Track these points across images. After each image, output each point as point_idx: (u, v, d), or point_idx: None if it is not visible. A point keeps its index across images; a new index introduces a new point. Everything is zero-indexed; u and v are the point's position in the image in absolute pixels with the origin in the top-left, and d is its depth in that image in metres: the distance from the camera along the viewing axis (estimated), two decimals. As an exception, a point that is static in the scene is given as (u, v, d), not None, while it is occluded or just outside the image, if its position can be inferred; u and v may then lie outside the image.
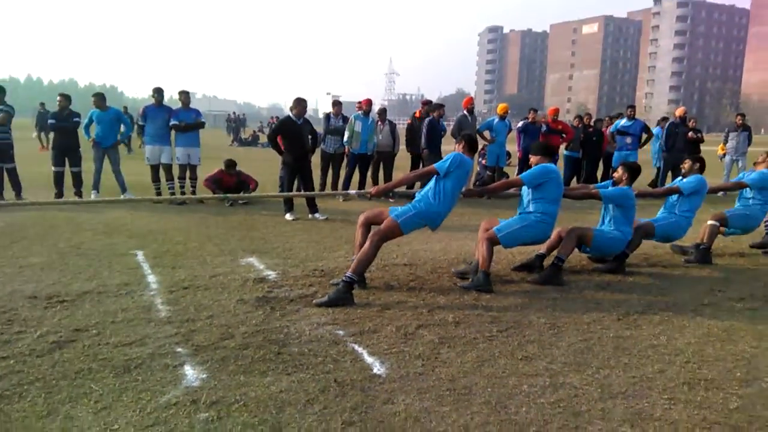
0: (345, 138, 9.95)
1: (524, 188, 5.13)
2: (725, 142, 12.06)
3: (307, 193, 7.85)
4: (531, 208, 5.02)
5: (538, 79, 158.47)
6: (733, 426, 2.71)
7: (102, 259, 5.50)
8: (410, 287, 4.85)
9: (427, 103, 10.83)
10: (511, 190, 5.45)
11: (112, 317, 3.92)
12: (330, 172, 10.40)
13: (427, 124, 10.08)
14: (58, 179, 9.03)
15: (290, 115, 8.04)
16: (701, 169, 5.96)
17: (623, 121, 11.30)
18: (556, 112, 11.64)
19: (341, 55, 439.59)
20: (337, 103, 10.73)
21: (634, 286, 5.12)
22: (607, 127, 12.09)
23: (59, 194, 9.01)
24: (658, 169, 11.87)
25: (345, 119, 10.46)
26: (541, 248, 5.46)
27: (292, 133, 7.93)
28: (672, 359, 3.50)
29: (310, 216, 8.03)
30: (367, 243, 4.53)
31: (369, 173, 10.56)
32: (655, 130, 12.16)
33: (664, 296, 4.80)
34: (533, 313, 4.25)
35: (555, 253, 5.19)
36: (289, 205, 8.10)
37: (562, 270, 5.13)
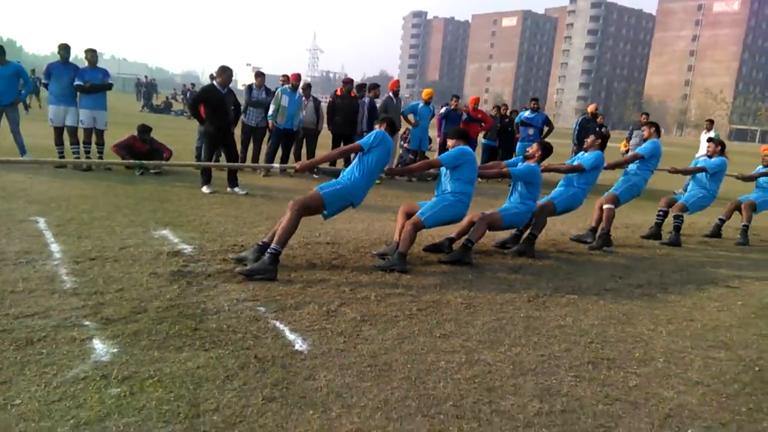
0: (270, 112, 9.69)
1: (442, 169, 5.30)
2: (629, 138, 12.89)
3: (230, 164, 7.59)
4: (449, 188, 5.19)
5: (458, 68, 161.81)
6: (632, 402, 2.93)
7: (-2, 225, 5.07)
8: (333, 265, 4.84)
9: (348, 82, 10.74)
10: (431, 171, 5.57)
11: (11, 287, 3.64)
12: (251, 146, 10.11)
13: (369, 105, 10.04)
14: (-55, 136, 8.20)
15: (214, 83, 7.76)
16: (602, 146, 6.34)
17: (527, 113, 11.76)
18: (477, 101, 11.94)
19: (263, 25, 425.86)
20: (260, 75, 10.40)
21: (543, 269, 5.39)
22: None
23: (-55, 153, 8.19)
24: None
25: (268, 91, 10.19)
26: (452, 232, 5.63)
27: (216, 103, 7.63)
28: (577, 339, 3.73)
29: (228, 190, 7.80)
30: (288, 213, 4.47)
31: (292, 150, 10.37)
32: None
33: (570, 280, 5.09)
34: (450, 293, 4.37)
35: (466, 236, 5.37)
36: (206, 177, 7.80)
37: (471, 252, 5.32)
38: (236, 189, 7.81)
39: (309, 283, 4.32)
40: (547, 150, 5.81)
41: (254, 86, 10.10)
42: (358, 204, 4.92)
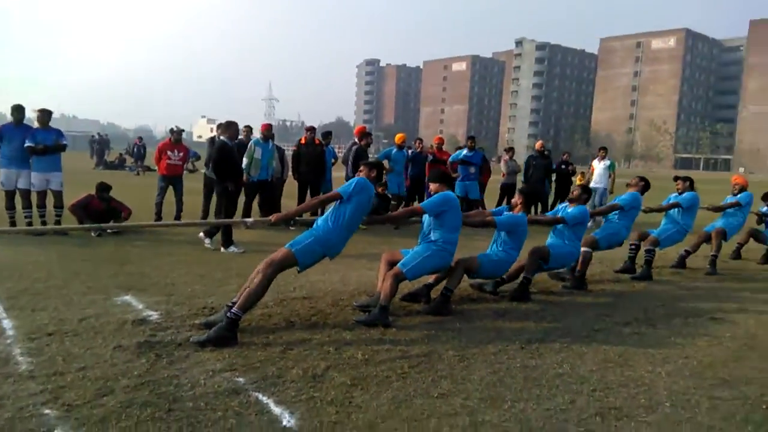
0: (243, 164, 9.52)
1: (425, 216, 5.09)
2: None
3: (200, 221, 7.32)
4: (433, 237, 4.98)
5: (412, 111, 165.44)
6: (651, 456, 2.74)
7: (-60, 302, 4.62)
8: (312, 323, 4.57)
9: (311, 129, 10.66)
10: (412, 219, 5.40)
11: (-45, 375, 3.24)
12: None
13: (354, 152, 9.95)
14: None
15: (223, 138, 7.52)
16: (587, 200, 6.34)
17: (465, 152, 11.49)
18: (441, 141, 11.94)
19: (215, 77, 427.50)
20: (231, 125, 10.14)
21: (528, 312, 5.23)
22: (491, 158, 12.60)
23: None
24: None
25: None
26: (431, 278, 5.43)
27: (230, 158, 7.44)
28: (579, 388, 3.54)
29: (223, 249, 7.48)
30: (259, 275, 4.17)
31: (256, 201, 10.09)
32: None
33: (558, 323, 4.93)
34: (441, 345, 4.15)
35: (444, 284, 5.16)
36: (215, 231, 7.57)
37: (451, 300, 5.13)
38: (231, 248, 7.48)
39: (289, 344, 4.02)
40: (529, 197, 5.84)
41: (218, 138, 9.85)
42: (334, 256, 4.64)
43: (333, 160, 11.01)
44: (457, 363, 3.84)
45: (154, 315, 4.56)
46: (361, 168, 4.86)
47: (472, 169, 11.35)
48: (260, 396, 3.19)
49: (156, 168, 10.38)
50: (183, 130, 10.51)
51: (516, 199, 5.77)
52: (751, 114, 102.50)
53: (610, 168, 12.26)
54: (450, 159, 11.63)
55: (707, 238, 7.81)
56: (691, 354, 4.26)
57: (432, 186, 5.19)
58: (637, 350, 4.29)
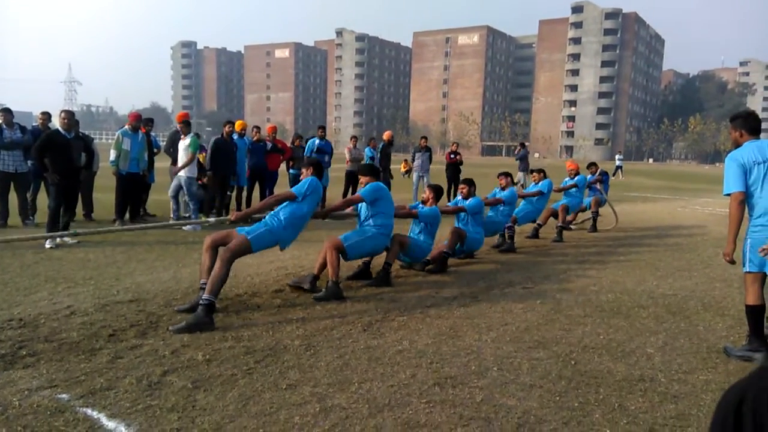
0: (111, 157, 8.87)
1: (362, 206, 5.61)
2: (413, 160, 13.87)
3: (125, 227, 6.48)
4: (372, 222, 5.52)
5: (236, 98, 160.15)
6: (485, 418, 3.00)
7: None
8: (142, 328, 4.22)
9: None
10: (349, 209, 5.85)
11: None
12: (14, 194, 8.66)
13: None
14: None
15: (59, 128, 7.34)
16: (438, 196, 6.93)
17: (317, 141, 11.64)
18: (275, 129, 11.72)
19: None
20: (7, 111, 8.86)
21: (369, 295, 5.40)
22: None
23: None
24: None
25: (23, 130, 8.82)
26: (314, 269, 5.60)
27: (60, 149, 7.17)
28: (418, 362, 3.75)
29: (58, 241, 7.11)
30: (218, 262, 4.43)
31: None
32: None
33: (395, 302, 5.17)
34: (286, 336, 4.12)
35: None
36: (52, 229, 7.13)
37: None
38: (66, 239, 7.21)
39: (118, 353, 3.69)
40: (438, 191, 6.62)
41: (4, 126, 8.61)
42: (284, 248, 5.00)
43: (155, 150, 10.37)
44: (303, 352, 3.84)
45: (-58, 335, 3.88)
46: (307, 169, 5.29)
47: (327, 158, 11.45)
48: (89, 411, 2.89)
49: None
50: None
51: (427, 194, 6.51)
52: (542, 105, 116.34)
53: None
54: (306, 150, 11.52)
55: (553, 213, 9.27)
56: (510, 321, 4.74)
57: (363, 179, 5.68)
58: (463, 321, 4.67)
